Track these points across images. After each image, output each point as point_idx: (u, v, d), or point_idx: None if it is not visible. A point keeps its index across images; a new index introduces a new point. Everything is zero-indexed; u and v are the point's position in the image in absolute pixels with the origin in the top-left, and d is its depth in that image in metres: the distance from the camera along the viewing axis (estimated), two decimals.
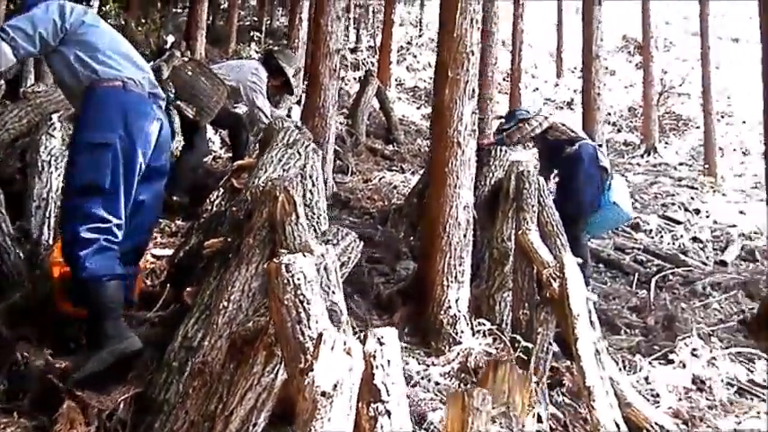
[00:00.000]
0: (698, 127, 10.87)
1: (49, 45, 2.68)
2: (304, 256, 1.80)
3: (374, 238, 5.01)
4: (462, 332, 3.66)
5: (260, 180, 3.00)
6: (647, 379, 3.65)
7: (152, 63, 8.04)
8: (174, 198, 4.99)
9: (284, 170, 3.13)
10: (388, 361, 1.59)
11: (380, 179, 7.27)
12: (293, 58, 5.90)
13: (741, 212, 7.86)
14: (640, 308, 4.64)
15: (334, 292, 2.06)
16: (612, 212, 4.96)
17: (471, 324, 3.70)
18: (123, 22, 16.68)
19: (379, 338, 1.63)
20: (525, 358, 3.41)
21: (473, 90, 4.02)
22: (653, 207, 7.86)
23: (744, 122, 11.64)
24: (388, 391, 1.54)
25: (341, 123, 9.05)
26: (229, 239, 2.77)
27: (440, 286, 3.78)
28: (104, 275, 2.51)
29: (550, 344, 3.48)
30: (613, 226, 5.67)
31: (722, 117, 12.08)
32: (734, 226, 7.24)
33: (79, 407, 2.38)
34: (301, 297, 1.70)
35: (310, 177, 3.28)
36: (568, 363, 3.53)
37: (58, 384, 2.43)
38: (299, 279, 1.73)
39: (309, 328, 1.67)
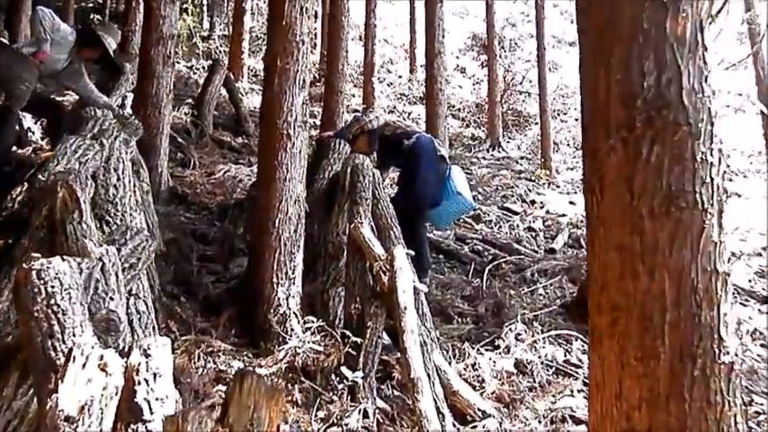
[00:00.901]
0: (536, 123, 11.57)
1: None
2: (63, 259, 1.58)
3: (209, 234, 4.77)
4: (293, 330, 3.56)
5: (49, 172, 2.68)
6: (474, 365, 3.75)
7: None
8: None
9: (80, 163, 2.82)
10: (154, 375, 1.43)
11: (225, 173, 6.95)
12: (114, 30, 5.43)
13: (571, 203, 8.46)
14: (473, 296, 4.80)
15: (111, 299, 1.85)
16: (457, 203, 5.06)
17: (302, 322, 3.61)
18: None
19: (145, 350, 1.46)
20: (354, 354, 3.38)
21: (303, 80, 3.91)
22: (494, 198, 8.23)
23: (576, 120, 12.59)
24: (151, 409, 1.38)
25: (186, 114, 8.60)
26: (10, 241, 2.44)
27: (270, 284, 3.65)
28: None
29: (380, 337, 3.47)
30: (458, 216, 5.83)
31: (558, 114, 12.95)
32: (564, 215, 7.77)
33: None
34: (55, 307, 1.50)
35: (115, 171, 2.99)
36: (399, 355, 3.54)
37: None
38: (53, 287, 1.52)
39: (64, 342, 1.47)
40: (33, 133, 6.48)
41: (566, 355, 4.03)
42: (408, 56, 15.28)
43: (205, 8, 18.81)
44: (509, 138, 12.19)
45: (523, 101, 13.64)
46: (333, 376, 3.26)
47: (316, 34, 14.69)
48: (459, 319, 4.40)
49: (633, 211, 1.41)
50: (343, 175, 4.40)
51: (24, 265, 1.54)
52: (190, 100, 9.11)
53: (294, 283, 3.72)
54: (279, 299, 3.62)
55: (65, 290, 1.51)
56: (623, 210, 1.44)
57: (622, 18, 1.49)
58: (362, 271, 3.80)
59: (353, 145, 5.08)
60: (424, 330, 3.58)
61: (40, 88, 4.99)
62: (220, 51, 14.58)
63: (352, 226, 3.91)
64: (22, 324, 1.50)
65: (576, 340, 4.18)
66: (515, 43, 16.41)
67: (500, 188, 8.71)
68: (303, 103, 3.90)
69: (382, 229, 4.19)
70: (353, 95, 12.66)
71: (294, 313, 3.61)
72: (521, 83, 13.57)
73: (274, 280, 3.66)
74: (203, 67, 12.35)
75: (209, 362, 3.13)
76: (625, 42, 1.47)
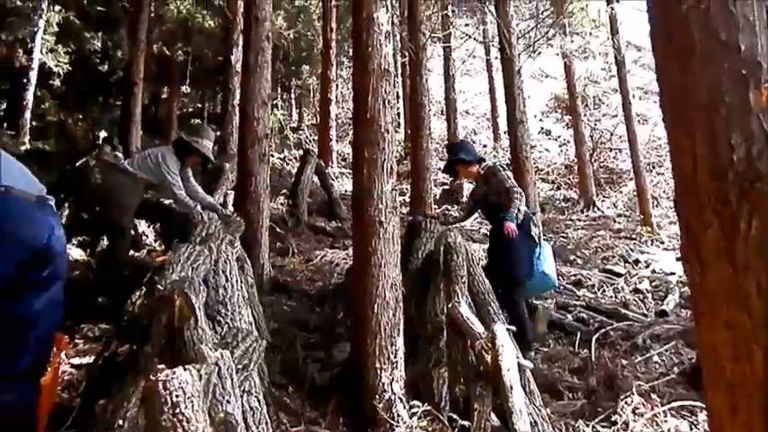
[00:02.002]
0: (631, 179, 11.24)
1: None
2: (185, 368, 1.71)
3: (310, 322, 4.91)
4: (399, 416, 3.54)
5: (165, 282, 2.90)
6: None
7: (82, 160, 7.97)
8: (99, 300, 4.83)
9: (193, 268, 3.04)
10: None
11: (322, 258, 7.21)
12: (200, 128, 5.85)
13: (679, 259, 8.03)
14: (582, 369, 4.60)
15: (228, 401, 1.96)
16: (542, 281, 5.10)
17: (408, 406, 3.59)
18: (61, 119, 16.63)
19: None
20: None
21: (391, 168, 4.06)
22: (594, 261, 7.97)
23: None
24: None
25: (282, 204, 9.05)
26: (135, 347, 2.64)
27: (373, 370, 3.68)
28: None
29: (488, 420, 3.39)
30: (538, 293, 5.75)
31: (653, 167, 12.54)
32: (672, 273, 7.38)
33: None
34: (180, 416, 1.61)
35: (223, 272, 3.20)
36: None
37: None
38: (177, 396, 1.63)
39: None
40: (147, 236, 7.04)
41: (692, 429, 3.76)
42: (491, 124, 15.47)
43: (293, 101, 20.00)
44: (603, 196, 11.89)
45: (614, 157, 13.35)
46: None
47: (399, 113, 15.22)
48: (570, 395, 4.22)
49: (739, 287, 1.36)
50: (436, 253, 4.46)
51: (152, 377, 1.67)
52: (285, 190, 9.61)
53: (397, 368, 3.73)
54: (383, 384, 3.63)
55: (188, 398, 1.62)
56: (728, 286, 1.39)
57: (700, 88, 1.48)
58: (464, 351, 3.78)
59: (461, 170, 5.25)
60: (533, 409, 3.47)
61: (150, 194, 5.42)
62: (310, 140, 15.37)
63: (450, 305, 3.92)
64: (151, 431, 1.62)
65: (702, 411, 3.89)
66: (599, 100, 16.24)
67: (599, 250, 8.45)
68: (392, 190, 4.03)
69: (480, 306, 4.18)
70: (439, 169, 12.88)
71: (399, 398, 3.60)
72: (609, 139, 13.32)
73: (377, 365, 3.69)
74: (295, 158, 13.05)
75: None
76: (706, 113, 1.46)
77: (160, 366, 1.89)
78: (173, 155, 5.17)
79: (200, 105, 22.30)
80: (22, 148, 12.86)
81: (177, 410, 1.61)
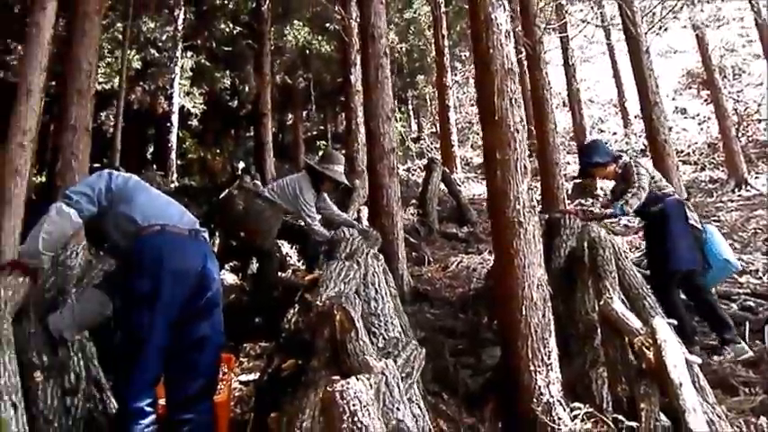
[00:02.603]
0: None
1: (102, 205, 3.01)
2: (358, 378, 1.78)
3: (456, 328, 4.92)
4: (560, 419, 3.44)
5: (321, 298, 3.04)
6: None
7: (226, 192, 8.55)
8: (256, 320, 5.15)
9: (345, 283, 3.16)
10: None
11: (458, 264, 7.21)
12: (331, 155, 6.06)
13: None
14: (757, 361, 4.22)
15: (398, 409, 2.01)
16: (724, 268, 4.83)
17: (568, 408, 3.49)
18: (201, 156, 18.01)
19: None
20: None
21: (524, 167, 3.98)
22: (754, 244, 7.31)
23: None
24: None
25: (412, 214, 9.17)
26: (300, 362, 2.79)
27: (527, 373, 3.61)
28: None
29: (657, 419, 3.21)
30: (721, 281, 5.38)
31: None
32: None
33: None
34: (359, 424, 1.68)
35: (373, 285, 3.30)
36: None
37: None
38: (354, 405, 1.71)
39: None
40: (291, 257, 7.42)
41: None
42: (619, 110, 14.73)
43: (411, 112, 20.24)
44: (756, 173, 10.88)
45: (765, 129, 12.19)
46: None
47: None
48: (746, 390, 3.89)
49: None
50: (580, 250, 4.31)
51: (328, 388, 1.75)
52: (414, 200, 9.73)
53: (552, 369, 3.63)
54: (539, 387, 3.55)
55: (364, 407, 1.69)
56: None
57: None
58: (622, 348, 3.61)
59: (597, 173, 5.09)
60: (707, 407, 3.24)
61: (289, 217, 5.72)
62: (431, 149, 15.46)
63: (602, 302, 3.76)
64: None
65: None
66: (739, 69, 14.94)
67: (759, 231, 7.73)
68: (528, 189, 3.95)
69: (634, 300, 3.97)
70: (568, 163, 12.45)
71: (558, 401, 3.50)
72: (756, 110, 12.19)
73: (531, 368, 3.61)
74: (419, 168, 13.19)
75: None
76: None
77: (335, 377, 1.99)
78: (308, 184, 5.42)
79: (322, 128, 23.25)
80: (172, 185, 14.05)
81: (356, 419, 1.68)
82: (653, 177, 4.97)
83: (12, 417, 2.40)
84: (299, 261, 7.40)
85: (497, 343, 4.44)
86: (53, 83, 10.31)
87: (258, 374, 4.14)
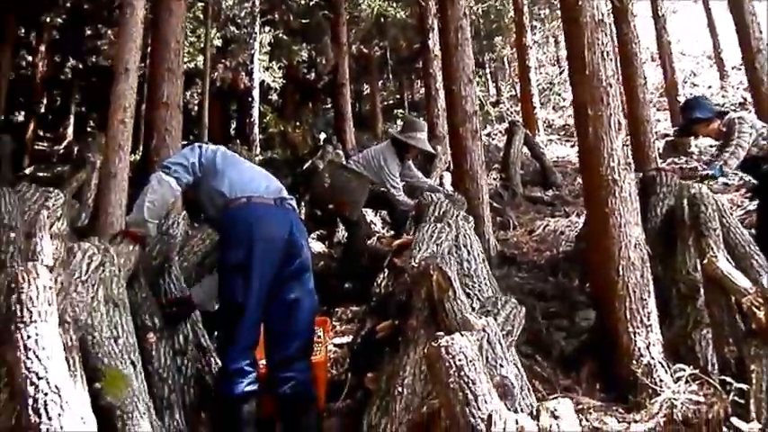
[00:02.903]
0: None
1: (197, 176, 3.19)
2: (461, 334, 1.79)
3: (546, 291, 4.84)
4: (662, 381, 3.34)
5: (415, 260, 3.06)
6: None
7: (308, 163, 8.73)
8: (346, 285, 5.26)
9: (437, 245, 3.16)
10: None
11: (544, 227, 7.06)
12: (413, 123, 6.07)
13: None
14: None
15: (501, 365, 2.01)
16: None
17: (670, 370, 3.37)
18: (282, 129, 18.39)
19: (552, 412, 1.55)
20: (742, 402, 3.03)
21: (618, 122, 3.82)
22: None
23: None
24: None
25: (494, 179, 9.03)
26: (396, 322, 2.83)
27: (626, 334, 3.51)
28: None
29: None
30: None
31: None
32: None
33: None
34: (465, 378, 1.68)
35: (465, 246, 3.28)
36: None
37: None
38: (460, 360, 1.72)
39: (479, 408, 1.64)
40: (375, 225, 7.50)
41: None
42: (714, 62, 13.82)
43: (489, 76, 19.81)
44: None
45: None
46: (722, 428, 2.95)
47: None
48: None
49: None
50: (679, 208, 4.11)
51: (433, 343, 1.77)
52: (496, 165, 9.57)
53: (652, 331, 3.52)
54: (639, 349, 3.45)
55: (470, 362, 1.70)
56: None
57: None
58: (728, 308, 3.44)
59: (700, 130, 4.86)
60: None
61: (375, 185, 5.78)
62: (511, 112, 15.10)
63: (706, 261, 3.59)
64: (440, 395, 1.72)
65: None
66: None
67: None
68: (623, 146, 3.80)
69: (741, 259, 3.77)
70: (658, 120, 11.85)
71: (659, 362, 3.39)
72: None
73: (630, 329, 3.51)
74: (500, 132, 12.93)
75: (582, 419, 3.11)
76: None
77: (439, 333, 2.00)
78: (392, 154, 5.51)
79: (399, 96, 23.16)
80: (256, 159, 14.45)
81: (462, 373, 1.69)
82: (761, 134, 4.65)
83: (132, 373, 2.57)
84: (383, 228, 7.48)
85: (591, 305, 4.34)
86: (142, 63, 10.77)
87: (351, 337, 4.25)
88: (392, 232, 7.15)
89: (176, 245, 4.02)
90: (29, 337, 1.93)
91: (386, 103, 21.26)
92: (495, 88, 19.33)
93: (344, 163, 5.87)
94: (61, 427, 1.83)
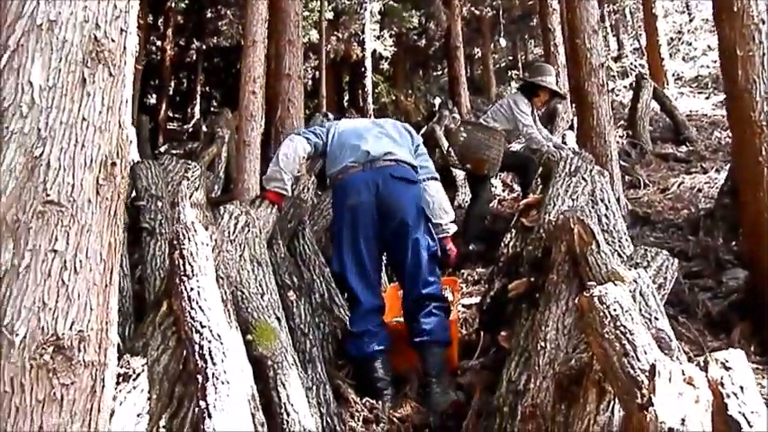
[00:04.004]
0: None
1: (324, 146, 3.48)
2: (615, 284, 1.71)
3: (687, 250, 4.54)
4: None
5: (551, 215, 2.97)
6: None
7: (425, 127, 8.70)
8: (471, 247, 5.23)
9: (573, 200, 3.05)
10: (741, 387, 1.40)
11: (679, 185, 6.61)
12: (541, 67, 5.87)
13: None
14: None
15: (657, 318, 1.91)
16: None
17: None
18: (394, 98, 18.45)
19: (723, 363, 1.45)
20: None
21: None
22: None
23: None
24: (749, 423, 1.35)
25: (620, 137, 8.56)
26: (532, 279, 2.77)
27: None
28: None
29: None
30: None
31: None
32: None
33: None
34: (622, 329, 1.62)
35: (602, 201, 3.14)
36: None
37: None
38: (615, 310, 1.65)
39: (638, 359, 1.57)
40: (495, 187, 7.36)
41: None
42: None
43: (609, 29, 18.70)
44: None
45: None
46: None
47: None
48: None
49: None
50: None
51: (585, 293, 1.71)
52: (622, 121, 9.06)
53: None
54: None
55: (625, 311, 1.62)
56: None
57: None
58: None
59: None
60: None
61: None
62: (636, 66, 14.19)
63: None
64: (594, 347, 1.66)
65: None
66: None
67: None
68: None
69: None
70: None
71: None
72: None
73: None
74: (625, 87, 12.21)
75: None
76: None
77: (590, 283, 1.94)
78: (522, 98, 5.37)
79: (511, 58, 22.46)
80: None
81: (618, 323, 1.62)
82: None
83: (277, 328, 2.71)
84: (503, 191, 7.34)
85: (740, 264, 4.03)
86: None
87: (479, 298, 4.22)
88: (513, 195, 7.02)
89: (307, 208, 4.18)
90: (192, 289, 2.07)
91: (498, 65, 20.69)
92: (617, 42, 18.21)
93: (479, 121, 5.82)
94: (224, 372, 1.97)
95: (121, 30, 1.53)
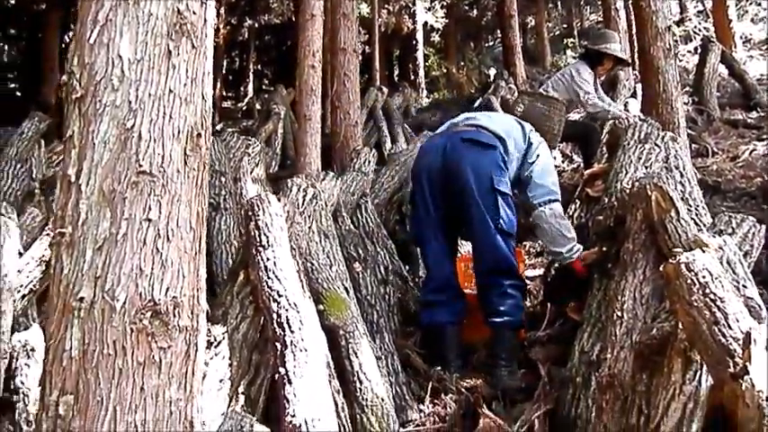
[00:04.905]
0: None
1: None
2: (703, 251, 1.66)
3: (763, 219, 4.34)
4: None
5: (623, 183, 2.88)
6: None
7: (480, 99, 8.57)
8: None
9: (646, 167, 2.95)
10: None
11: (750, 152, 6.32)
12: (605, 34, 5.64)
13: None
14: None
15: (745, 286, 1.84)
16: None
17: None
18: (445, 70, 18.21)
19: None
20: None
21: None
22: None
23: None
24: None
25: (685, 103, 8.23)
26: (604, 249, 2.71)
27: None
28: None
29: None
30: None
31: None
32: None
33: (495, 424, 2.58)
34: (712, 296, 1.56)
35: (677, 168, 3.02)
36: None
37: (476, 403, 2.66)
38: (704, 277, 1.59)
39: (730, 327, 1.52)
40: (555, 158, 7.20)
41: None
42: None
43: None
44: None
45: None
46: None
47: None
48: None
49: None
50: None
51: (671, 260, 1.66)
52: (687, 88, 8.70)
53: None
54: None
55: (715, 278, 1.57)
56: None
57: None
58: None
59: None
60: None
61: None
62: (700, 29, 13.56)
63: None
64: (681, 315, 1.62)
65: None
66: None
67: None
68: None
69: None
70: None
71: None
72: None
73: None
74: (689, 51, 11.70)
75: None
76: None
77: (676, 250, 1.89)
78: (585, 66, 5.18)
79: (565, 26, 21.76)
80: (422, 102, 14.49)
81: (707, 290, 1.57)
82: None
83: (347, 298, 2.74)
84: (562, 161, 7.18)
85: None
86: None
87: (543, 269, 4.17)
88: (572, 166, 6.85)
89: (369, 182, 4.19)
90: (268, 259, 2.11)
91: (552, 33, 20.10)
92: (679, 5, 17.41)
93: (537, 91, 5.65)
94: (302, 339, 2.01)
95: (201, 2, 1.55)
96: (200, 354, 1.45)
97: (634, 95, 7.33)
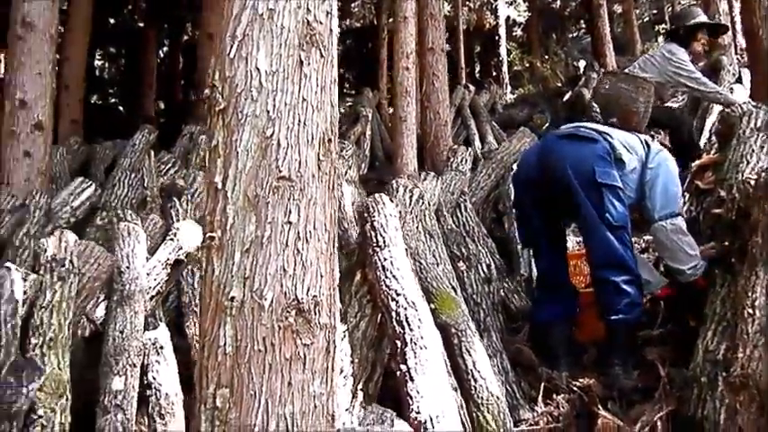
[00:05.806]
0: None
1: None
2: None
3: None
4: None
5: (745, 174, 2.74)
6: None
7: (570, 93, 8.32)
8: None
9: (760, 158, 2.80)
10: None
11: None
12: (689, 10, 5.28)
13: None
14: None
15: None
16: None
17: None
18: (528, 64, 17.86)
19: None
20: None
21: None
22: None
23: None
24: None
25: None
26: (725, 243, 2.59)
27: None
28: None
29: None
30: None
31: None
32: None
33: (615, 425, 2.52)
34: None
35: None
36: None
37: (591, 403, 2.61)
38: None
39: None
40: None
41: None
42: None
43: None
44: None
45: None
46: None
47: None
48: None
49: None
50: None
51: None
52: None
53: None
54: None
55: None
56: None
57: None
58: None
59: None
60: None
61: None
62: None
63: None
64: None
65: None
66: None
67: None
68: None
69: None
70: None
71: None
72: None
73: None
74: None
75: None
76: None
77: None
78: (677, 47, 4.80)
79: (655, 12, 20.81)
80: (507, 98, 14.27)
81: None
82: None
83: (456, 297, 2.76)
84: None
85: None
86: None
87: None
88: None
89: (466, 180, 4.19)
90: (385, 259, 2.17)
91: (642, 20, 19.28)
92: None
93: (620, 73, 5.39)
94: (421, 337, 2.04)
95: (327, 12, 1.62)
96: (338, 350, 1.51)
97: (739, 80, 6.91)
